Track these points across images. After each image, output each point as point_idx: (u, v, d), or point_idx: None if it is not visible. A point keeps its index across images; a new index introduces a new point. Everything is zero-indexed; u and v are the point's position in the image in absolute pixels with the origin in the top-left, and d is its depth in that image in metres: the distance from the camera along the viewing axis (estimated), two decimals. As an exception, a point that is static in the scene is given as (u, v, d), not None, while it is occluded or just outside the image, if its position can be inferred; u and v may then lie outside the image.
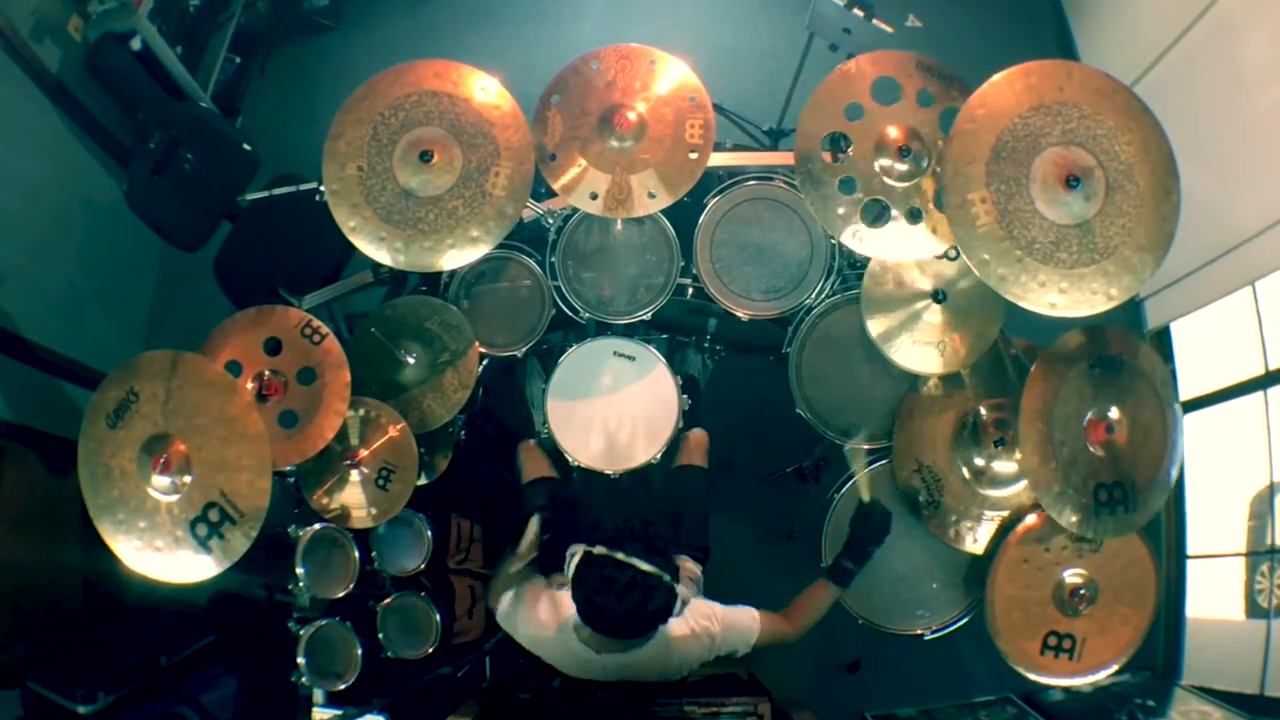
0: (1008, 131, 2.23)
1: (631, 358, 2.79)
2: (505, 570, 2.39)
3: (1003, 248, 2.22)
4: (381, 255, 2.42)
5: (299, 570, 2.45)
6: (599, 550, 1.94)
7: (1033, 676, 2.44)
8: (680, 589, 1.97)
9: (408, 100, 2.46)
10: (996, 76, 2.26)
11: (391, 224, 2.42)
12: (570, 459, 2.73)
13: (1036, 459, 2.31)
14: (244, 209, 3.06)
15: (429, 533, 2.69)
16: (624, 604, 1.91)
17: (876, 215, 2.46)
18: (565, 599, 2.09)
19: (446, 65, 2.51)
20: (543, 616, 2.14)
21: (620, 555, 1.92)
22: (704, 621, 2.14)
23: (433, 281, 2.91)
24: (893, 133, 2.43)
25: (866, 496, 2.48)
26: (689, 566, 2.57)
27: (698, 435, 2.87)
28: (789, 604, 2.39)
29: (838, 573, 2.36)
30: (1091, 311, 2.23)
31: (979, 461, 2.54)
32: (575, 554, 1.98)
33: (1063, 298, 2.22)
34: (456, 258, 2.43)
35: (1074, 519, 2.31)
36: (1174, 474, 2.39)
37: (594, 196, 2.50)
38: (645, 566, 1.92)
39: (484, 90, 2.49)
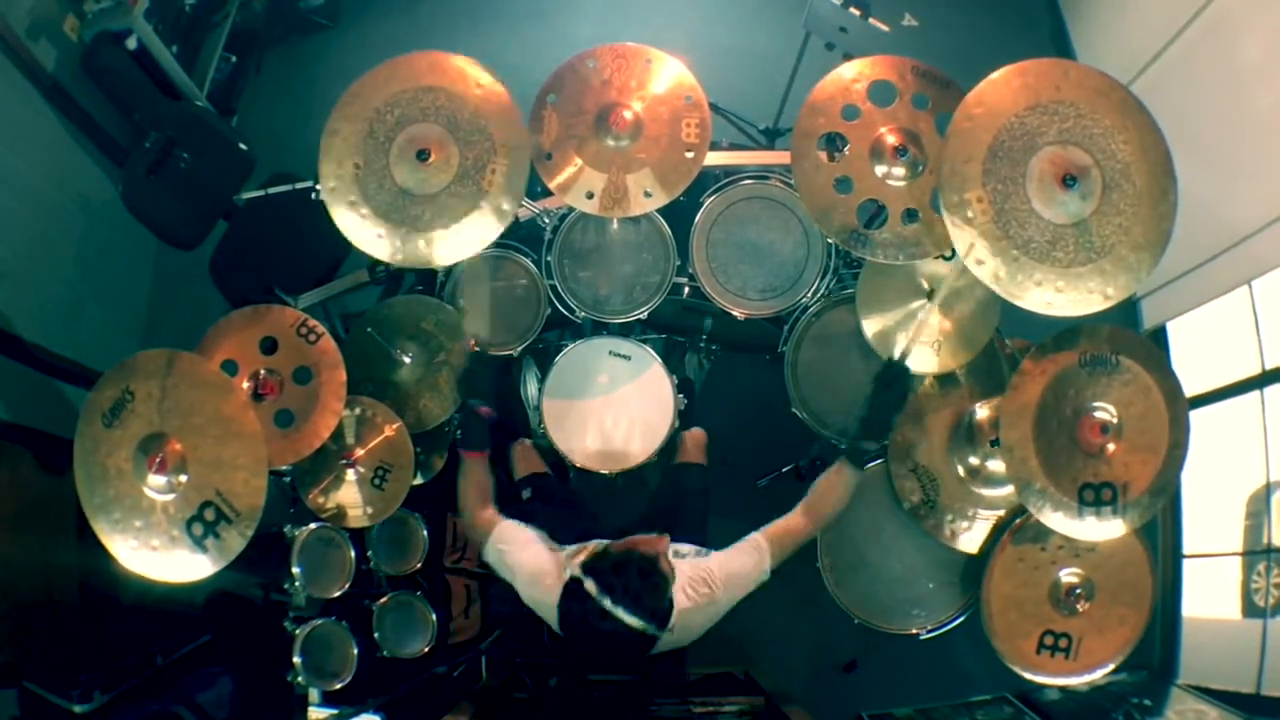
0: (1004, 131, 2.23)
1: (627, 357, 2.79)
2: (468, 480, 2.29)
3: (999, 247, 2.21)
4: (379, 252, 2.41)
5: (295, 569, 2.45)
6: (589, 585, 1.86)
7: (1029, 676, 2.44)
8: (670, 615, 1.93)
9: (403, 96, 2.45)
10: (993, 75, 2.26)
11: (389, 221, 2.41)
12: (566, 459, 2.72)
13: (1018, 455, 2.31)
14: (240, 208, 3.06)
15: (424, 532, 2.70)
16: (598, 645, 1.90)
17: (872, 216, 2.47)
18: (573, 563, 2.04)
19: (441, 57, 2.48)
20: (550, 580, 2.05)
21: (607, 603, 1.84)
22: (703, 589, 2.08)
23: (429, 281, 2.91)
24: (888, 135, 2.44)
25: (897, 354, 2.41)
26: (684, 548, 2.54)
27: (696, 434, 2.87)
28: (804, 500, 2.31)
29: (855, 455, 2.27)
30: (1088, 310, 2.23)
31: (975, 461, 2.54)
32: (574, 563, 1.94)
33: (1059, 297, 2.21)
34: (454, 254, 2.42)
35: (1055, 517, 2.31)
36: (1176, 482, 2.37)
37: (590, 195, 2.50)
38: (630, 621, 1.85)
39: (479, 85, 2.48)
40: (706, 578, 2.10)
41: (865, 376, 2.70)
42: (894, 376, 2.36)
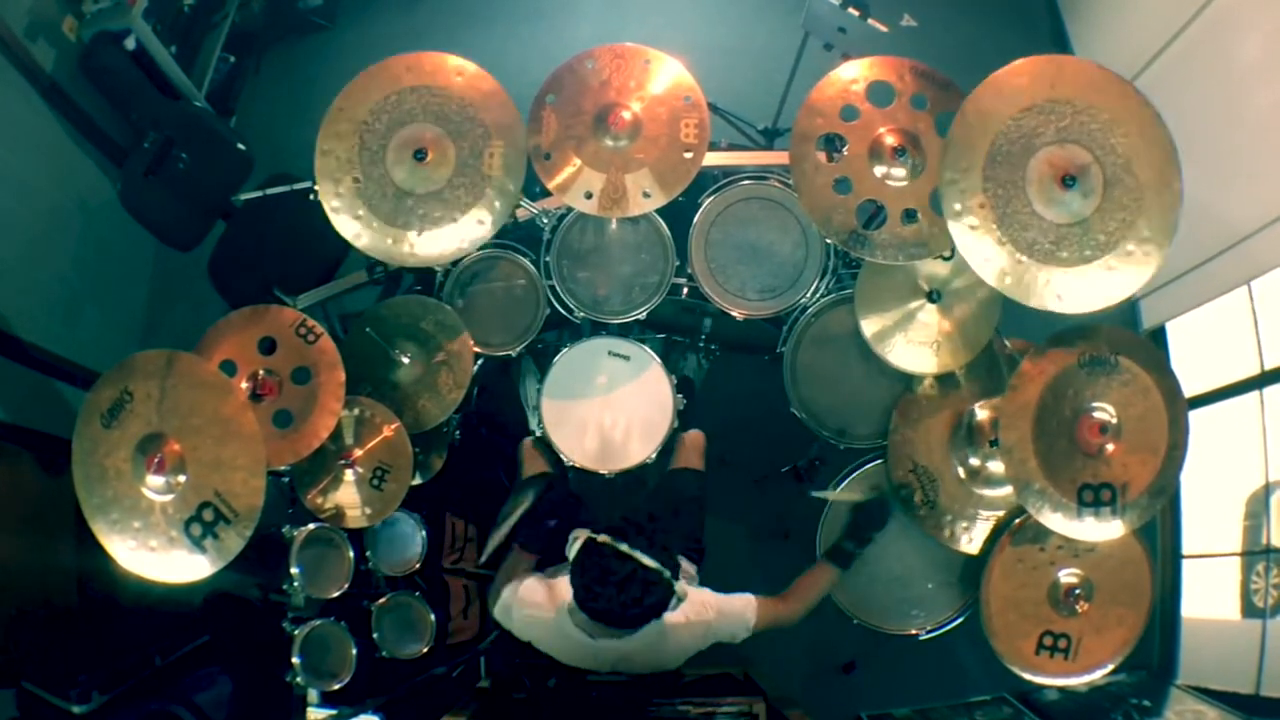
0: (1001, 135, 2.23)
1: (626, 357, 2.79)
2: (509, 567, 2.38)
3: (1004, 251, 2.21)
4: (395, 258, 2.42)
5: (293, 570, 2.45)
6: (602, 538, 1.94)
7: (1028, 676, 2.44)
8: (679, 585, 1.98)
9: (387, 101, 2.45)
10: (987, 80, 2.26)
11: (398, 226, 2.42)
12: (565, 459, 2.72)
13: (1017, 456, 2.31)
14: (238, 208, 3.06)
15: (423, 532, 2.69)
16: (621, 595, 1.91)
17: (871, 217, 2.47)
18: (563, 584, 2.09)
19: (417, 57, 2.49)
20: (539, 598, 2.14)
21: (624, 547, 1.92)
22: (699, 609, 2.15)
23: (427, 281, 2.91)
24: (887, 136, 2.44)
25: (861, 497, 2.54)
26: (683, 564, 2.56)
27: (694, 436, 2.87)
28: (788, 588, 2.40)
29: (838, 555, 2.37)
30: (1095, 309, 2.22)
31: (974, 461, 2.54)
32: (578, 539, 1.98)
33: (1066, 297, 2.21)
34: (468, 242, 2.43)
35: (1054, 518, 2.31)
36: (1175, 482, 2.37)
37: (589, 196, 2.50)
38: (647, 561, 1.92)
39: (460, 74, 2.48)
40: (705, 602, 2.19)
41: (864, 377, 2.71)
42: (869, 507, 2.52)
